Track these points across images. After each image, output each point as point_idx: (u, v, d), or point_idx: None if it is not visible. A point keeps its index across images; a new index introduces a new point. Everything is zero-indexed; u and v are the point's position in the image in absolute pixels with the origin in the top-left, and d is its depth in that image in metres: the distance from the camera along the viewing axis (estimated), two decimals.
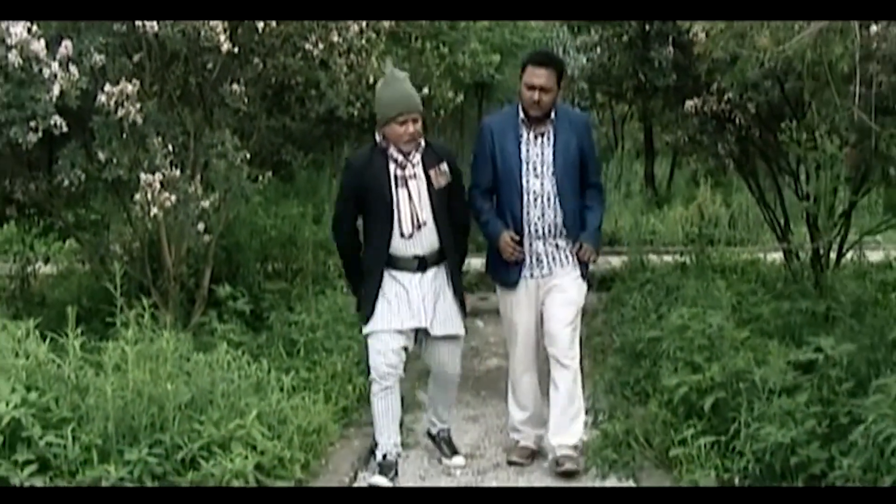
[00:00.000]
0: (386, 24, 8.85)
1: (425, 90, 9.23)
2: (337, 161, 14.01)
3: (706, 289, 8.17)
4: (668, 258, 11.05)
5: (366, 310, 6.34)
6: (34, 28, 6.58)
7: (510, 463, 6.71)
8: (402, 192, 6.25)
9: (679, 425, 6.09)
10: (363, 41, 8.51)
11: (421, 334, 6.42)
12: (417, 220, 6.24)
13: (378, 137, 6.34)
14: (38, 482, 4.93)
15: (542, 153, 6.52)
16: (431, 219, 6.29)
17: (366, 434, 6.83)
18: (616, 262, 11.64)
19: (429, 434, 6.91)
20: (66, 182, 7.20)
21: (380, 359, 6.27)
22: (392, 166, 6.26)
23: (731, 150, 9.04)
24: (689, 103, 8.37)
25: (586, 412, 6.79)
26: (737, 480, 5.54)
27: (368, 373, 6.41)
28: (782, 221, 9.50)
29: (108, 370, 5.55)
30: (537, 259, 6.56)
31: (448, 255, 6.42)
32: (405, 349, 6.36)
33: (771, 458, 5.48)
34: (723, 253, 10.74)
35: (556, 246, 6.55)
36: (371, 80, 8.85)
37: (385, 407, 6.31)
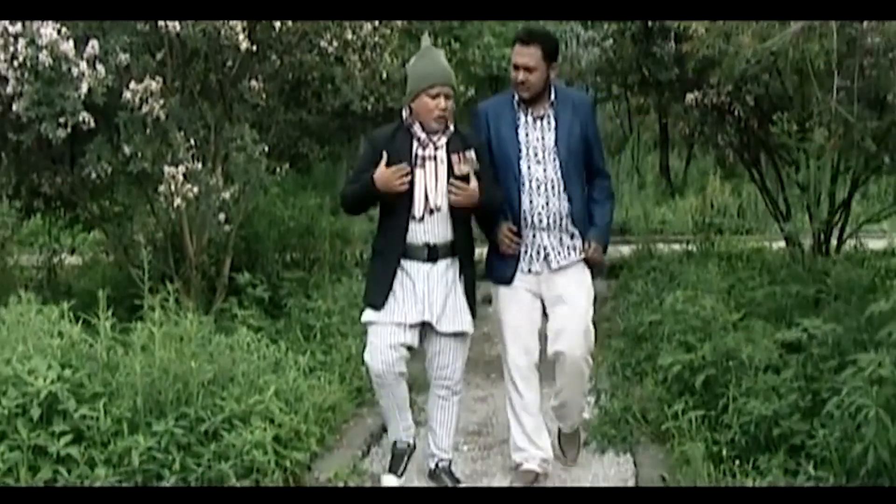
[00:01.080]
0: (399, 21, 9.32)
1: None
2: (353, 154, 14.46)
3: (705, 275, 8.63)
4: (676, 247, 11.53)
5: (371, 296, 6.03)
6: (63, 29, 7.04)
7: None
8: (420, 173, 5.90)
9: (673, 401, 6.53)
10: (376, 38, 8.98)
11: (426, 330, 6.05)
12: (429, 202, 5.90)
13: (405, 113, 6.01)
14: (74, 451, 5.41)
15: (543, 137, 6.13)
16: (446, 205, 5.93)
17: (378, 413, 7.24)
18: (626, 250, 12.13)
19: (428, 472, 6.38)
20: (94, 175, 7.66)
21: (376, 355, 5.95)
22: (415, 145, 5.94)
23: (730, 141, 9.49)
24: (689, 96, 8.80)
25: (589, 392, 7.13)
26: (724, 451, 5.99)
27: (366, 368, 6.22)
28: (784, 210, 9.94)
29: (136, 350, 6.03)
30: (539, 252, 6.16)
31: (461, 249, 6.07)
32: (407, 347, 6.00)
33: (755, 430, 5.91)
34: (729, 241, 11.18)
35: (562, 238, 6.15)
36: (384, 75, 9.34)
37: (388, 404, 6.14)
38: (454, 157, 5.92)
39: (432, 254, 5.98)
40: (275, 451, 5.85)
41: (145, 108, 7.30)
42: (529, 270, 6.20)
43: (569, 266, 6.17)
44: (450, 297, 6.03)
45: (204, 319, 6.87)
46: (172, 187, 7.33)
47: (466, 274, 6.12)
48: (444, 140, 5.95)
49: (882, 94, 6.60)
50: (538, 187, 6.11)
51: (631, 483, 6.21)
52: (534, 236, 6.17)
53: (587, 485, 6.25)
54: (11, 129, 7.60)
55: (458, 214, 5.98)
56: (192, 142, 7.81)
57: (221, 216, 7.99)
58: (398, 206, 5.91)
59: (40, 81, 7.04)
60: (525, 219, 6.15)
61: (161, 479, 5.54)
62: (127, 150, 7.49)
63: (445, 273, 6.02)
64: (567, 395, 6.30)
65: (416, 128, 5.94)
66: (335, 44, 8.46)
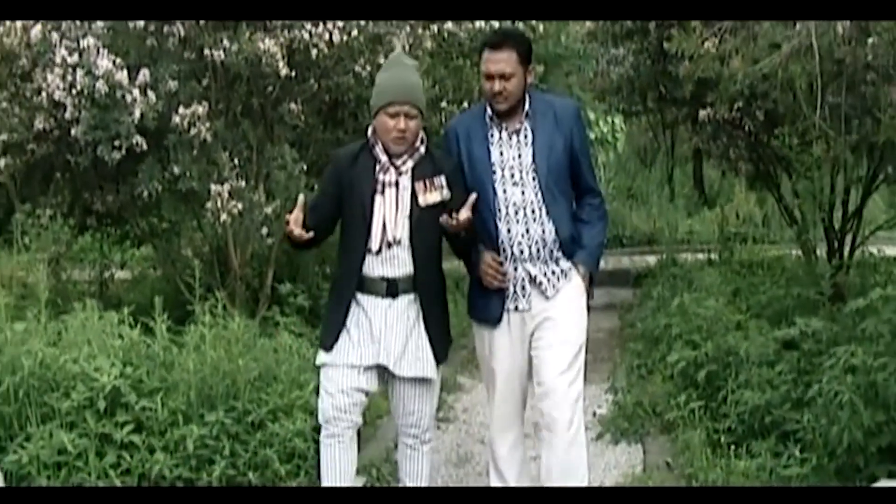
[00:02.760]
0: (428, 44, 10.11)
1: (465, 104, 10.33)
2: None
3: (716, 280, 9.41)
4: (700, 256, 12.31)
5: (323, 336, 5.62)
6: (117, 60, 7.91)
7: None
8: (379, 200, 5.41)
9: (678, 394, 7.33)
10: None
11: (386, 374, 5.57)
12: (387, 235, 5.41)
13: (369, 132, 5.53)
14: (136, 439, 6.24)
15: (520, 155, 5.49)
16: (407, 238, 5.42)
17: None
18: (651, 259, 12.93)
19: None
20: (145, 193, 8.49)
21: (327, 399, 5.51)
22: (377, 168, 5.44)
23: (741, 154, 10.25)
24: (702, 112, 9.54)
25: (606, 391, 7.91)
26: (722, 438, 6.75)
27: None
28: (800, 219, 10.67)
29: (189, 350, 6.84)
30: (525, 287, 5.54)
31: (425, 284, 5.53)
32: (363, 392, 5.54)
33: (750, 418, 6.69)
34: (751, 250, 11.93)
35: (549, 269, 5.55)
36: None
37: (330, 458, 5.56)
38: (418, 186, 5.43)
39: (391, 288, 5.48)
40: (314, 440, 6.52)
41: (193, 131, 8.08)
42: (516, 308, 5.59)
43: (559, 298, 5.57)
44: (411, 339, 5.50)
45: (249, 323, 7.67)
46: (218, 204, 8.12)
47: (434, 312, 5.59)
48: (409, 164, 5.45)
49: (868, 109, 7.33)
50: (516, 213, 5.49)
51: (639, 469, 6.96)
52: (516, 269, 5.54)
53: (599, 471, 6.99)
54: (69, 152, 8.48)
55: (422, 246, 5.47)
56: (236, 161, 8.58)
57: (264, 230, 8.67)
58: (355, 237, 5.48)
59: (97, 108, 7.84)
60: (504, 250, 5.53)
61: (213, 463, 6.35)
62: (176, 169, 8.26)
63: (407, 310, 5.51)
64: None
65: (378, 149, 5.45)
66: (368, 68, 9.27)
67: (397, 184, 5.43)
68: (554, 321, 5.53)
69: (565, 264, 5.56)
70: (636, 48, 10.35)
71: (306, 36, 8.47)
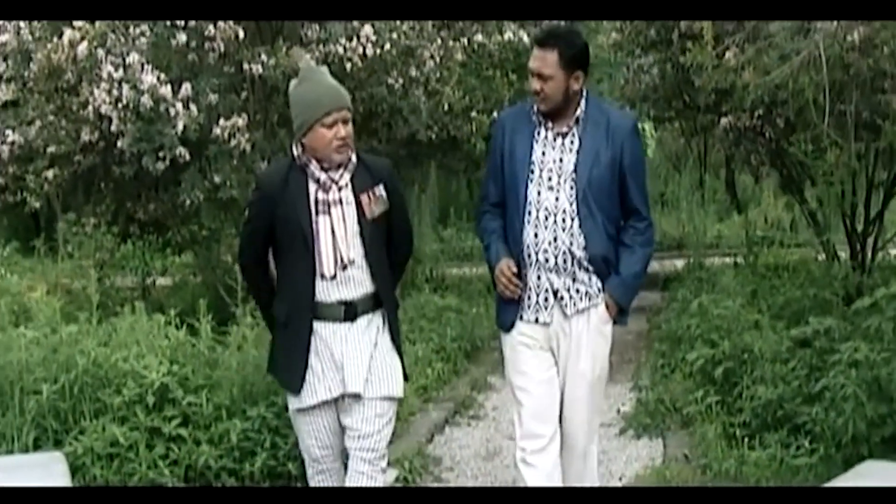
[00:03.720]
0: (459, 56, 10.62)
1: (495, 114, 10.77)
2: (422, 179, 15.80)
3: (739, 283, 9.88)
4: (728, 259, 12.78)
5: (290, 379, 5.21)
6: (161, 75, 8.44)
7: None
8: (324, 222, 5.07)
9: (696, 390, 7.79)
10: (438, 74, 10.31)
11: (347, 399, 5.17)
12: (341, 257, 5.07)
13: (296, 151, 5.15)
14: (183, 432, 6.77)
15: (562, 160, 5.24)
16: (362, 256, 5.12)
17: (442, 409, 8.61)
18: (679, 263, 13.41)
19: None
20: (188, 202, 9.04)
21: (309, 440, 5.28)
22: (313, 188, 5.10)
23: (761, 160, 10.70)
24: (724, 120, 10.01)
25: (630, 389, 8.37)
26: (737, 431, 7.21)
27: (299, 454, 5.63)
28: (823, 223, 11.09)
29: (232, 348, 7.38)
30: (548, 298, 5.28)
31: (385, 300, 5.23)
32: (339, 422, 5.25)
33: (763, 412, 7.15)
34: (776, 253, 12.36)
35: (573, 285, 5.27)
36: (447, 106, 10.65)
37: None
38: (363, 199, 5.13)
39: (350, 312, 5.13)
40: None
41: (233, 142, 8.60)
42: (537, 320, 5.34)
43: (583, 322, 5.32)
44: (375, 357, 5.19)
45: None
46: None
47: (396, 327, 5.34)
48: (347, 177, 5.13)
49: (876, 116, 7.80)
50: (546, 218, 5.23)
51: (658, 461, 7.42)
52: (538, 278, 5.30)
53: (621, 464, 7.46)
54: (114, 163, 9.03)
55: (378, 262, 5.19)
56: None
57: None
58: (298, 266, 5.13)
59: (141, 121, 8.38)
60: (529, 255, 5.28)
61: (254, 455, 6.86)
62: (216, 179, 8.79)
63: (367, 330, 5.18)
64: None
65: (313, 167, 5.09)
66: (400, 80, 9.78)
67: (341, 201, 5.11)
68: (577, 359, 5.33)
69: (592, 284, 5.28)
70: (660, 58, 10.79)
71: (341, 50, 8.98)
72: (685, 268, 13.05)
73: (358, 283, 5.13)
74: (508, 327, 5.39)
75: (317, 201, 5.08)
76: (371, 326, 5.18)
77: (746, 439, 7.04)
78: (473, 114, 11.13)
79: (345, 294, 5.10)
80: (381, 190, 5.15)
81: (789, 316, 8.72)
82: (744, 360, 7.66)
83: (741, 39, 7.49)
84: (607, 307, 5.29)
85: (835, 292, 8.78)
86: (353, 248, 5.09)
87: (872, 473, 4.66)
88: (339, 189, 5.09)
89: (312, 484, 5.39)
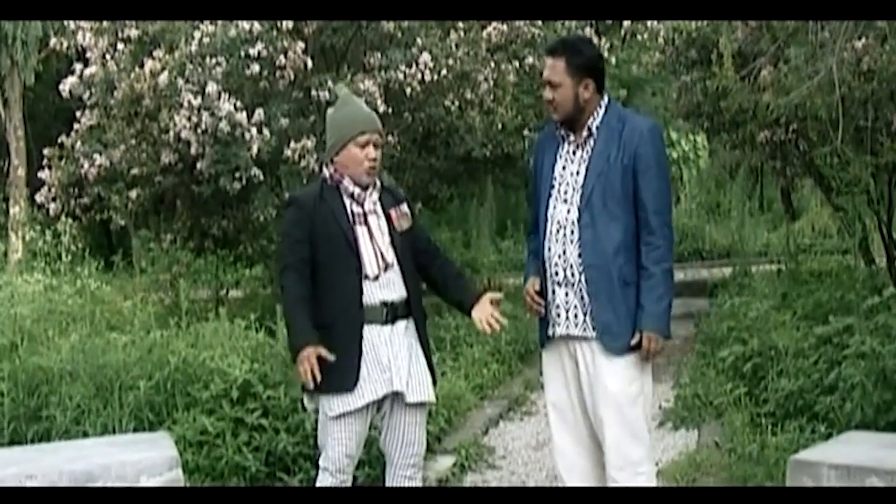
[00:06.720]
0: (511, 77, 11.67)
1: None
2: (478, 194, 16.86)
3: (767, 287, 10.90)
4: (773, 267, 13.76)
5: (341, 380, 5.33)
6: (237, 103, 9.54)
7: None
8: (362, 230, 5.44)
9: (727, 384, 8.79)
10: (492, 95, 11.36)
11: (386, 406, 5.50)
12: (383, 256, 5.43)
13: (327, 172, 5.56)
14: (264, 422, 7.78)
15: (577, 172, 5.31)
16: (396, 262, 5.47)
17: (496, 405, 9.65)
18: (728, 271, 14.44)
19: None
20: (261, 218, 10.14)
21: (340, 449, 5.43)
22: (347, 202, 5.48)
23: (796, 172, 11.66)
24: (760, 134, 10.96)
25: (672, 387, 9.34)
26: (763, 420, 8.19)
27: (316, 463, 5.74)
28: (861, 229, 12.02)
29: None
30: (560, 314, 5.37)
31: (414, 309, 5.55)
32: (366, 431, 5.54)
33: (786, 402, 8.12)
34: (820, 260, 13.31)
35: (574, 298, 5.32)
36: (501, 125, 11.69)
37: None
38: (392, 213, 5.56)
39: (390, 313, 5.44)
40: None
41: (302, 163, 9.67)
42: (555, 335, 5.45)
43: (604, 340, 5.28)
44: (413, 363, 5.49)
45: None
46: None
47: (425, 335, 5.65)
48: (375, 195, 5.55)
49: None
50: (557, 231, 5.34)
51: (692, 448, 8.37)
52: (553, 292, 5.40)
53: (658, 452, 8.40)
54: (193, 183, 10.16)
55: (409, 270, 5.53)
56: None
57: None
58: (343, 269, 5.43)
59: (219, 144, 9.48)
60: (546, 270, 5.42)
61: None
62: (287, 196, 9.82)
63: (405, 335, 5.50)
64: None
65: (347, 182, 5.47)
66: (457, 102, 10.83)
67: (375, 212, 5.52)
68: (605, 390, 5.29)
69: (599, 299, 5.26)
70: (700, 77, 11.72)
71: (401, 76, 10.06)
72: (731, 275, 14.07)
73: (397, 286, 5.45)
74: (542, 343, 5.54)
75: (353, 213, 5.46)
76: (408, 332, 5.50)
77: (770, 426, 7.97)
78: (526, 132, 12.15)
79: (387, 295, 5.42)
80: (405, 209, 5.62)
81: (817, 316, 9.66)
82: (770, 356, 8.61)
83: (765, 62, 8.47)
84: (649, 344, 5.22)
85: (858, 294, 9.71)
86: (390, 252, 5.45)
87: (853, 441, 5.71)
88: (372, 203, 5.51)
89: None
